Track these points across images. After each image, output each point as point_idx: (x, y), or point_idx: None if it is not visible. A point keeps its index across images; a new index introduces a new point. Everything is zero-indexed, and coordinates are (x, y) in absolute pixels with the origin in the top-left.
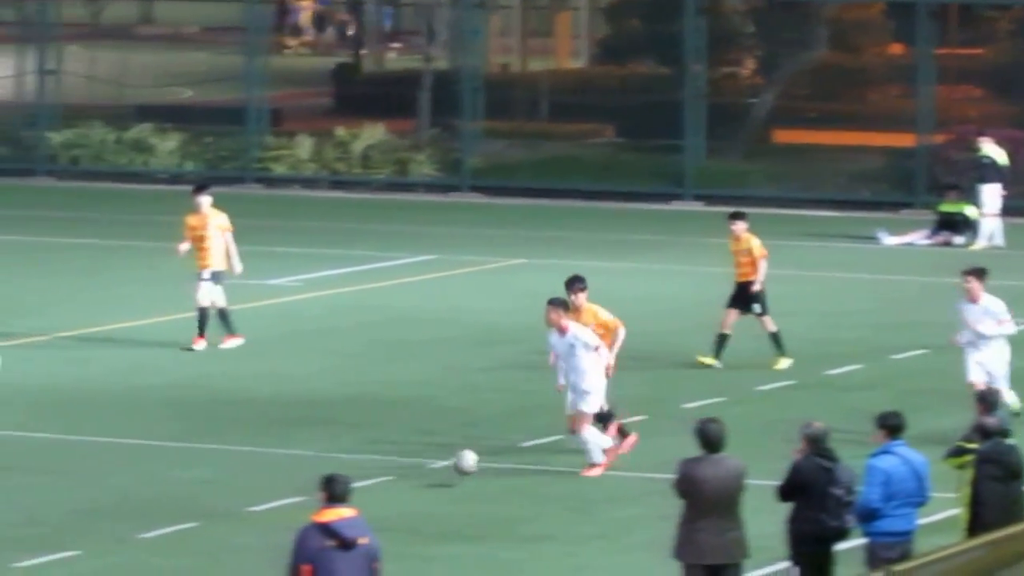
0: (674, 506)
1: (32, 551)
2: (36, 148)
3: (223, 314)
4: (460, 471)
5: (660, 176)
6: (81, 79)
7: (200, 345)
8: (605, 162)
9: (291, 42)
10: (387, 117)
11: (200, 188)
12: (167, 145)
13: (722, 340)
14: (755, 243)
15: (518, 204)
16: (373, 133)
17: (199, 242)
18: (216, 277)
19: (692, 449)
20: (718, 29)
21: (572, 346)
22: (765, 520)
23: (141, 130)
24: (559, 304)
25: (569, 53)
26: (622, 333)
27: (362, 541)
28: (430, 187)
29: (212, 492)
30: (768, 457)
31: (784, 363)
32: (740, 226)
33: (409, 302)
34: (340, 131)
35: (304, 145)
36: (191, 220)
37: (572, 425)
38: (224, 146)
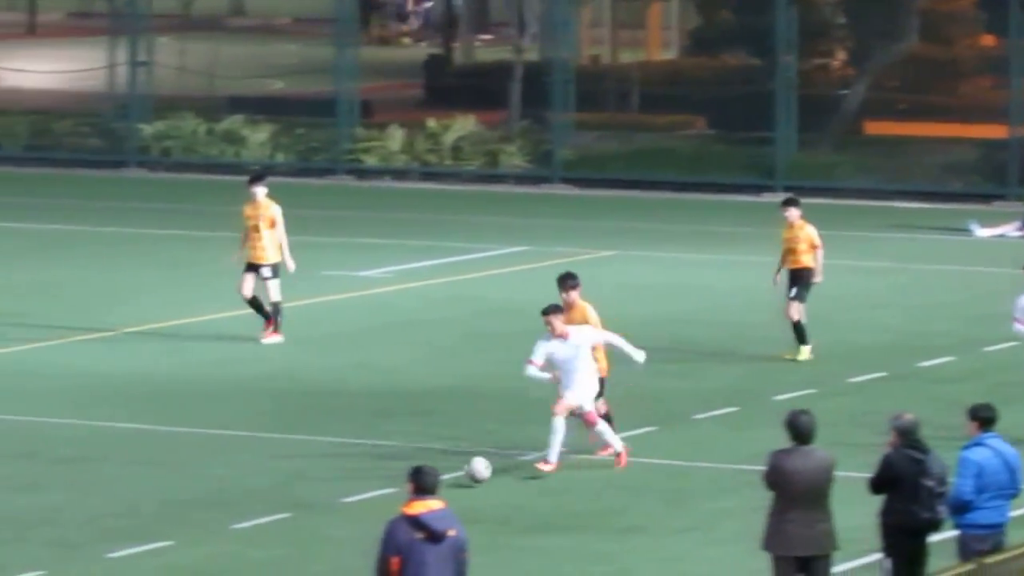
0: (765, 498)
1: (126, 541)
2: (128, 140)
3: (256, 304)
4: (473, 479)
5: (751, 168)
6: (172, 71)
7: (274, 339)
8: (696, 154)
9: (397, 32)
10: (478, 109)
11: (256, 178)
12: (258, 137)
13: (797, 330)
14: (810, 231)
15: (609, 196)
16: (464, 125)
17: (254, 232)
18: (275, 271)
19: (783, 441)
20: (809, 20)
21: (578, 348)
22: (855, 512)
23: (232, 122)
24: (560, 310)
25: (660, 44)
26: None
27: (451, 533)
28: (521, 179)
29: (305, 483)
30: (859, 449)
31: (805, 353)
32: (794, 213)
33: (500, 294)
34: (431, 123)
35: (395, 137)
36: (247, 210)
37: (587, 417)
38: (315, 138)
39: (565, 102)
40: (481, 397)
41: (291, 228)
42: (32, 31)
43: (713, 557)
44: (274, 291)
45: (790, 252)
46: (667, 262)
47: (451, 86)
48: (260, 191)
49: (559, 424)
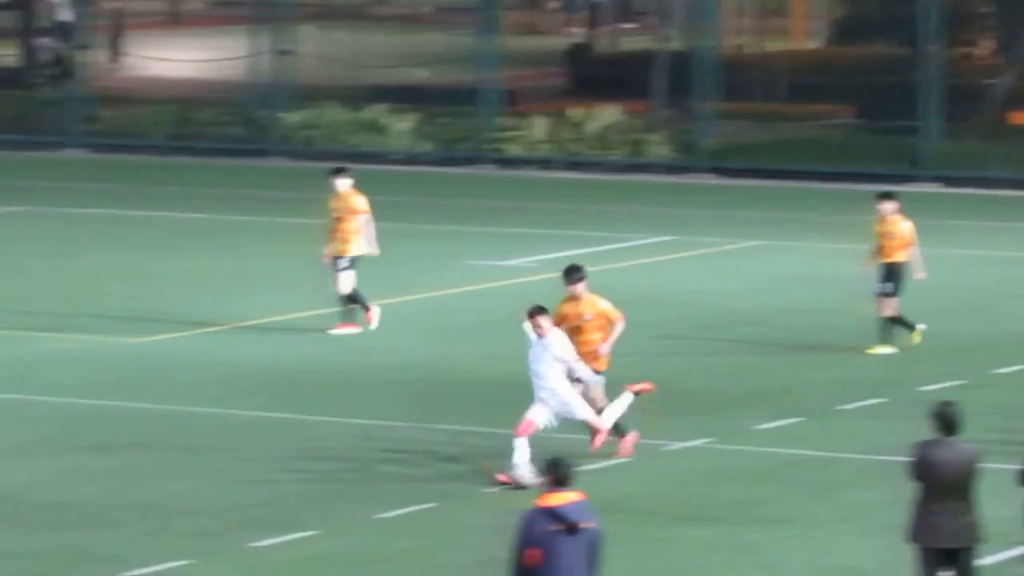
0: (911, 489)
1: (270, 531)
2: (271, 128)
3: (353, 298)
4: (518, 483)
5: (897, 157)
6: (315, 60)
7: (374, 318)
8: (842, 143)
9: (547, 20)
10: (622, 98)
11: (338, 171)
12: (401, 126)
13: (900, 322)
14: (904, 227)
15: (754, 185)
16: (608, 114)
17: (337, 224)
18: (354, 263)
19: (929, 432)
20: (955, 9)
21: (545, 349)
22: (1003, 504)
23: (375, 110)
24: (543, 312)
25: (805, 33)
26: (620, 326)
27: (587, 526)
28: (666, 168)
29: (449, 473)
30: (1007, 441)
31: (882, 350)
32: (888, 207)
33: (645, 283)
34: (575, 111)
35: (539, 125)
36: (331, 203)
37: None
38: (458, 127)
39: (710, 91)
40: (616, 387)
41: (435, 217)
42: (176, 20)
43: (859, 548)
44: (344, 282)
45: (882, 247)
46: (813, 252)
47: (595, 75)
48: (340, 183)
49: (520, 444)
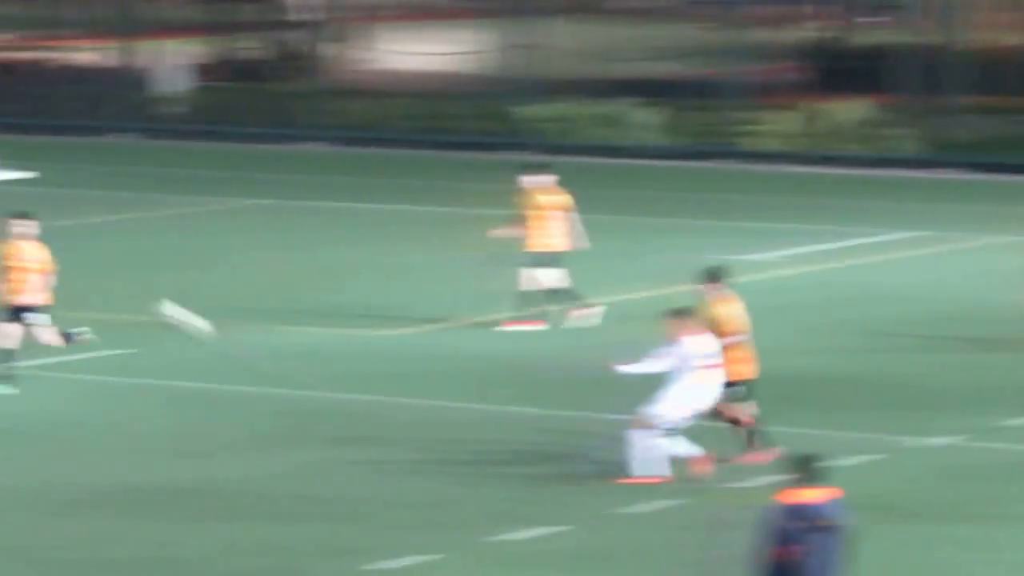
0: None
1: (519, 525)
2: (516, 122)
3: (567, 294)
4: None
5: None
6: (561, 53)
7: (512, 327)
8: None
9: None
10: (872, 91)
11: (538, 167)
12: (649, 119)
13: None
14: None
15: (1007, 181)
16: (858, 107)
17: (533, 221)
18: (550, 259)
19: None
20: None
21: (685, 358)
22: None
23: (621, 104)
24: (683, 314)
25: None
26: (736, 339)
27: (838, 523)
28: (916, 163)
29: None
30: None
31: None
32: None
33: (893, 279)
34: (824, 105)
35: (787, 120)
36: (531, 199)
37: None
38: (706, 120)
39: (962, 85)
40: (865, 382)
41: (680, 212)
42: (421, 13)
43: None
44: (523, 280)
45: None
46: None
47: (845, 68)
48: (531, 180)
49: (654, 439)
